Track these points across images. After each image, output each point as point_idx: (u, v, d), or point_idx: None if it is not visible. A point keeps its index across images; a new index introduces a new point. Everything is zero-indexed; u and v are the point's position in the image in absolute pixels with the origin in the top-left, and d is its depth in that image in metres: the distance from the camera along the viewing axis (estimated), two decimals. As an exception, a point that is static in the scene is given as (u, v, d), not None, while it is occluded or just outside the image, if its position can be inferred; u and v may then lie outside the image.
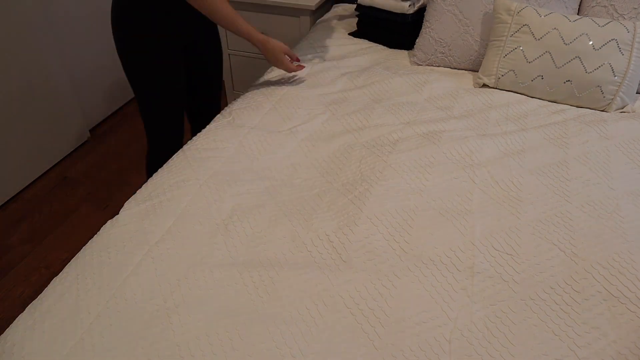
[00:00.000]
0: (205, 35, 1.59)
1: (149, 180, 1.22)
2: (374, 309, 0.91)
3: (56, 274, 1.00)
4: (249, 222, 1.09)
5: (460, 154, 1.30)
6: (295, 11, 2.25)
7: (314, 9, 2.22)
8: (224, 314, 0.90)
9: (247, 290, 0.94)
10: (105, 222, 1.12)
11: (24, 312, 0.92)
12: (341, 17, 2.17)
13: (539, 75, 1.54)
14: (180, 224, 1.08)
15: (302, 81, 1.65)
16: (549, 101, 1.57)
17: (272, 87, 1.60)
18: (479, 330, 0.88)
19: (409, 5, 1.82)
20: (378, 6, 1.86)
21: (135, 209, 1.12)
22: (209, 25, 1.57)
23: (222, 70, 1.73)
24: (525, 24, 1.56)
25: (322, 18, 2.21)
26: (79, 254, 1.03)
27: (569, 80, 1.51)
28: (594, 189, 1.19)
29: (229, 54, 2.51)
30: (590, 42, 1.48)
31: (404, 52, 1.89)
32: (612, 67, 1.47)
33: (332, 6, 2.32)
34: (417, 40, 1.82)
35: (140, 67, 1.45)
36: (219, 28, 1.60)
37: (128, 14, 1.38)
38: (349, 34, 2.02)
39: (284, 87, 1.61)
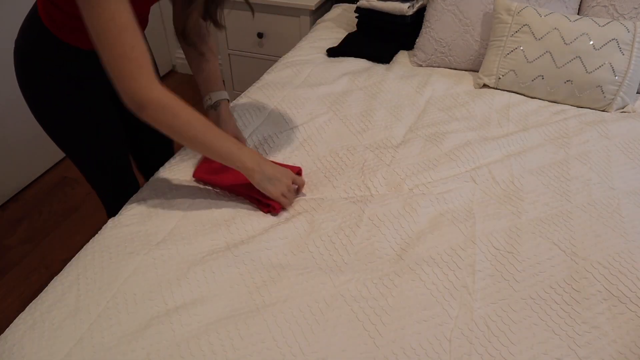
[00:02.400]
0: None
1: (150, 180, 1.22)
2: (375, 307, 0.91)
3: (56, 274, 1.00)
4: (250, 223, 1.09)
5: (463, 154, 1.30)
6: (295, 11, 2.25)
7: (314, 9, 2.22)
8: (224, 314, 0.90)
9: (248, 290, 0.94)
10: (105, 222, 1.11)
11: (24, 312, 0.92)
12: (341, 17, 2.17)
13: (540, 75, 1.54)
14: (182, 225, 1.08)
15: (303, 82, 1.65)
16: (549, 101, 1.57)
17: (273, 88, 1.60)
18: (479, 328, 0.88)
19: (408, 7, 1.82)
20: (377, 9, 1.85)
21: (137, 210, 1.12)
22: None
23: None
24: (526, 24, 1.56)
25: (322, 18, 2.21)
26: (80, 254, 1.03)
27: (569, 80, 1.51)
28: (595, 188, 1.19)
29: (228, 54, 2.51)
30: (591, 42, 1.48)
31: (404, 52, 1.89)
32: (612, 67, 1.47)
33: (332, 6, 2.32)
34: (417, 40, 1.82)
35: (63, 126, 1.16)
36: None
37: (33, 63, 1.09)
38: (349, 34, 2.02)
39: (284, 87, 1.60)
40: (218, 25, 1.13)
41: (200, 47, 1.20)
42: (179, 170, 1.24)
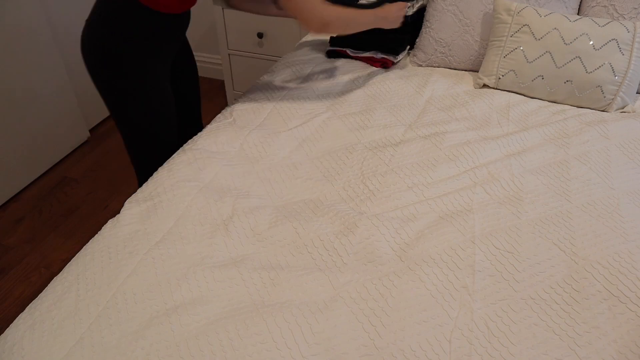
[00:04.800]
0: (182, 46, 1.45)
1: (149, 180, 1.22)
2: (375, 308, 0.91)
3: (56, 274, 1.01)
4: (249, 223, 1.09)
5: (462, 154, 1.30)
6: (295, 11, 2.25)
7: (314, 9, 2.21)
8: (224, 314, 0.90)
9: (248, 291, 0.94)
10: (105, 222, 1.12)
11: (24, 312, 0.92)
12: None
13: (540, 76, 1.54)
14: (181, 225, 1.08)
15: (303, 81, 1.65)
16: (549, 101, 1.57)
17: (273, 87, 1.60)
18: (479, 329, 0.88)
19: (408, 7, 1.82)
20: (377, 8, 1.85)
21: (136, 209, 1.12)
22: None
23: (199, 85, 1.58)
24: (526, 24, 1.56)
25: (322, 18, 2.21)
26: (79, 254, 1.03)
27: (569, 80, 1.51)
28: (594, 188, 1.19)
29: (228, 54, 2.51)
30: (591, 42, 1.48)
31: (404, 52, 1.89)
32: (612, 67, 1.47)
33: (332, 6, 2.32)
34: (417, 40, 1.82)
35: (134, 96, 1.29)
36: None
37: (111, 35, 1.21)
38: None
39: (284, 87, 1.61)
40: None
41: None
42: (178, 169, 1.24)
